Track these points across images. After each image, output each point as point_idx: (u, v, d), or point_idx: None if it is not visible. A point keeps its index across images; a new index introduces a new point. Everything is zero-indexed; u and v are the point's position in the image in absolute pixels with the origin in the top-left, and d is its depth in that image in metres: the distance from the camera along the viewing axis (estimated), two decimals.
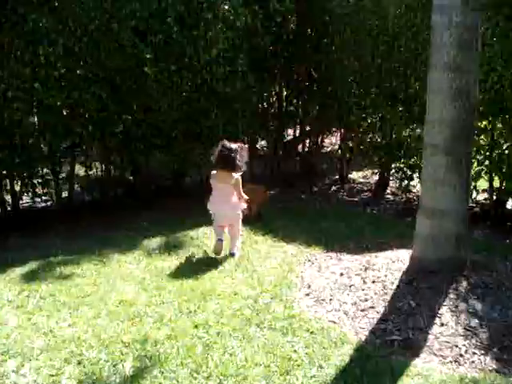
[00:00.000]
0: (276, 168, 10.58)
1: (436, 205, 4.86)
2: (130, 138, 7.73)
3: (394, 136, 8.25)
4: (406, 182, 8.37)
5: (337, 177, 10.60)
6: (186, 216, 7.81)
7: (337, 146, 11.35)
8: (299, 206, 8.58)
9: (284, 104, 10.35)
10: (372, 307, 4.63)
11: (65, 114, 7.19)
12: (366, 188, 9.94)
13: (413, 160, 8.08)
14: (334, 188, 9.99)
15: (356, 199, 9.23)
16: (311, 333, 4.27)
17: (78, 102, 7.02)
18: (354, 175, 10.76)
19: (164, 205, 8.66)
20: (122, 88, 7.31)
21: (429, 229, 4.94)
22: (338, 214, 7.93)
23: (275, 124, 10.46)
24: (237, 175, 5.70)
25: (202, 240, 6.70)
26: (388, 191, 9.53)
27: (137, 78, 7.33)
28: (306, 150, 10.86)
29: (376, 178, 10.34)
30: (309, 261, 5.90)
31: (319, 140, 10.82)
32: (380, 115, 8.35)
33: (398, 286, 4.83)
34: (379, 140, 8.62)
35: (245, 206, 6.14)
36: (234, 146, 5.64)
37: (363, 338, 4.24)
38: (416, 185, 8.82)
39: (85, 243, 6.60)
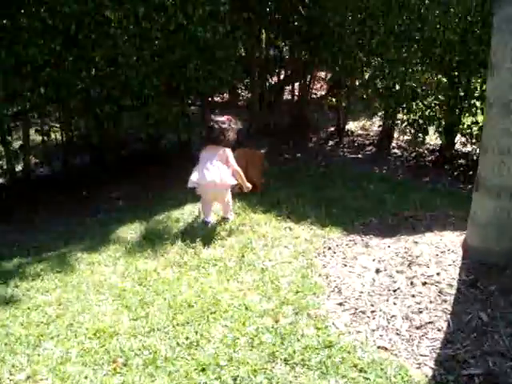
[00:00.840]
0: (263, 121, 9.27)
1: (504, 182, 3.71)
2: (93, 99, 6.32)
3: (406, 83, 6.95)
4: (420, 135, 7.15)
5: (332, 129, 9.36)
6: (164, 189, 6.60)
7: (328, 93, 10.00)
8: (298, 168, 7.37)
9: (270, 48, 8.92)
10: (430, 322, 3.53)
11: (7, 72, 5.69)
12: (367, 141, 8.75)
13: (428, 111, 6.84)
14: (331, 142, 8.77)
15: (359, 155, 8.04)
16: (360, 370, 3.17)
17: (23, 58, 5.54)
18: (351, 126, 9.52)
19: (138, 175, 7.39)
20: (79, 38, 5.84)
21: (492, 212, 3.83)
22: (345, 177, 6.78)
23: (261, 71, 9.06)
24: (227, 149, 5.16)
25: (188, 223, 5.48)
26: (393, 144, 8.35)
27: (97, 25, 5.86)
28: (296, 99, 9.50)
29: (376, 128, 9.15)
30: (329, 249, 4.75)
31: (310, 86, 9.46)
32: (388, 58, 7.02)
33: (458, 290, 3.72)
34: (386, 87, 7.29)
35: (234, 181, 5.19)
36: (221, 118, 5.16)
37: (430, 373, 3.15)
38: (431, 138, 7.65)
39: (45, 237, 5.35)
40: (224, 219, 5.40)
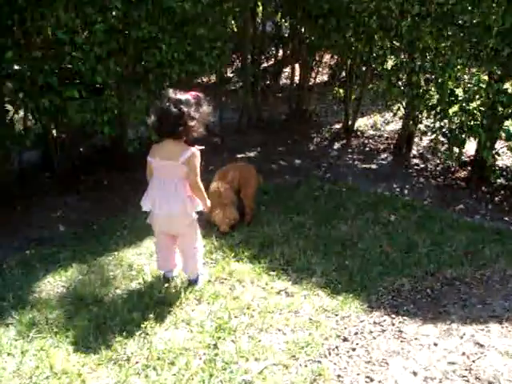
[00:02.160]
0: (256, 113, 7.61)
1: None
2: (27, 90, 4.65)
3: (441, 80, 5.32)
4: (455, 148, 5.55)
5: (338, 126, 7.72)
6: (121, 209, 5.01)
7: (334, 81, 8.33)
8: (297, 184, 5.73)
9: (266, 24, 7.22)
10: None
11: None
12: (381, 146, 7.13)
13: (470, 119, 5.23)
14: (337, 145, 7.13)
15: (373, 165, 6.44)
16: None
17: None
18: (360, 122, 7.88)
19: (92, 185, 5.73)
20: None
21: None
22: (358, 202, 5.20)
23: (254, 52, 7.36)
24: (192, 149, 3.38)
25: (144, 273, 3.91)
26: (414, 151, 6.75)
27: None
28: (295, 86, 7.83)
29: (390, 128, 7.54)
30: (344, 340, 3.19)
31: (312, 72, 7.77)
32: (422, 46, 5.37)
33: None
34: (415, 84, 5.65)
35: (200, 206, 3.60)
36: (183, 97, 3.35)
37: None
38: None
39: None
40: (191, 283, 3.80)
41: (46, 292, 3.82)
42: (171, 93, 3.34)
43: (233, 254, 4.18)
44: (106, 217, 5.10)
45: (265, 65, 8.87)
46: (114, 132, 5.28)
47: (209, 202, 3.64)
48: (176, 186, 3.43)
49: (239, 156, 6.72)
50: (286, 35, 8.01)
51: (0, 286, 3.96)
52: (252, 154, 6.77)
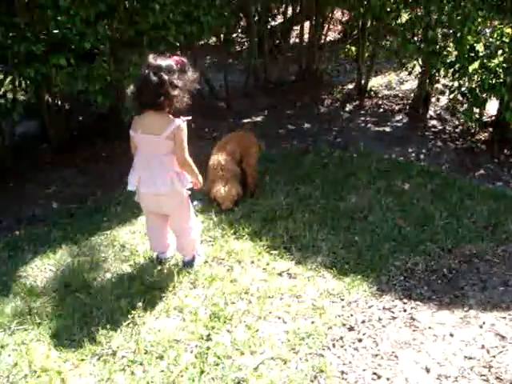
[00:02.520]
0: (263, 74, 7.20)
1: None
2: (10, 58, 4.33)
3: (459, 35, 4.85)
4: (475, 108, 5.12)
5: (351, 86, 7.28)
6: (118, 184, 4.71)
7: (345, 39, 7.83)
8: (305, 150, 5.41)
9: None
10: None
11: None
12: (396, 106, 6.70)
13: (492, 77, 4.77)
14: (349, 106, 6.71)
15: (387, 127, 6.03)
16: None
17: None
18: (374, 82, 7.43)
19: (89, 156, 5.44)
20: None
21: None
22: (370, 169, 4.85)
23: (261, 8, 6.90)
24: (176, 121, 3.02)
25: (137, 253, 3.70)
26: (430, 112, 6.31)
27: None
28: (305, 44, 7.35)
29: (406, 87, 7.09)
30: (350, 329, 2.91)
31: (322, 30, 7.29)
32: None
33: None
34: (430, 39, 5.18)
35: (187, 183, 3.25)
36: (164, 62, 2.96)
37: None
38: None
39: None
40: (185, 265, 3.52)
41: (33, 277, 3.57)
42: (151, 58, 2.96)
43: (232, 231, 3.88)
44: (102, 191, 4.81)
45: (273, 23, 8.38)
46: (108, 101, 4.94)
47: (200, 178, 3.30)
48: (162, 162, 3.11)
49: (245, 121, 6.36)
50: None
51: None
52: (259, 118, 6.40)
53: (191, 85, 3.07)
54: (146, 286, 3.33)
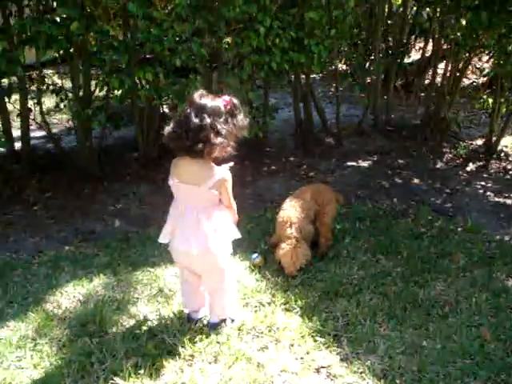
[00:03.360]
0: (382, 112, 6.56)
1: None
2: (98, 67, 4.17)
3: None
4: None
5: (480, 142, 6.39)
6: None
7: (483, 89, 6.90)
8: (401, 214, 4.68)
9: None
10: None
11: None
12: None
13: None
14: (472, 166, 5.84)
15: (509, 200, 5.11)
16: None
17: None
18: (508, 141, 6.46)
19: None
20: None
21: None
22: (473, 256, 4.03)
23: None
24: (221, 172, 2.67)
25: (172, 298, 3.22)
26: None
27: None
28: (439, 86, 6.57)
29: None
30: None
31: (461, 74, 6.45)
32: None
33: None
34: None
35: (228, 248, 2.85)
36: (211, 102, 2.55)
37: None
38: None
39: None
40: (210, 327, 3.07)
41: (57, 305, 3.32)
42: (196, 95, 2.56)
43: (283, 300, 3.34)
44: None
45: (408, 60, 7.66)
46: None
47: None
48: (198, 217, 2.69)
49: (349, 164, 5.75)
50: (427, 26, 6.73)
51: (19, 286, 3.49)
52: (364, 164, 5.76)
53: (239, 131, 2.66)
54: (162, 348, 2.89)
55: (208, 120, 2.49)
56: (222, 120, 2.54)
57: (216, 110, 2.53)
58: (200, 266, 2.85)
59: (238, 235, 2.90)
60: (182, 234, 2.74)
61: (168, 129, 2.60)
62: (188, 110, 2.52)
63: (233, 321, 3.09)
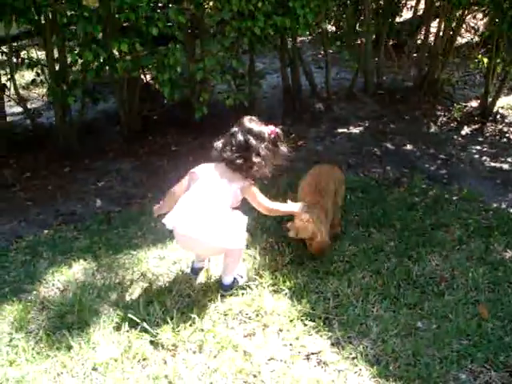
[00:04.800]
0: (373, 76, 6.34)
1: None
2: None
3: None
4: None
5: (475, 104, 6.19)
6: (175, 181, 4.10)
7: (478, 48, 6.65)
8: (394, 183, 4.54)
9: None
10: None
11: None
12: None
13: None
14: (467, 129, 5.66)
15: (506, 164, 4.97)
16: None
17: None
18: (504, 102, 6.26)
19: (151, 149, 4.98)
20: None
21: None
22: (469, 227, 3.87)
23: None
24: (249, 180, 2.94)
25: (154, 283, 3.08)
26: None
27: None
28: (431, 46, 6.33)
29: None
30: None
31: (453, 33, 6.19)
32: None
33: None
34: None
35: (242, 244, 3.00)
36: (257, 128, 2.89)
37: None
38: None
39: None
40: (222, 288, 3.10)
41: (34, 294, 3.14)
42: (245, 119, 2.91)
43: (271, 281, 3.18)
44: (153, 195, 4.28)
45: (399, 19, 7.38)
46: (178, 94, 4.37)
47: (298, 207, 3.11)
48: (222, 205, 2.87)
49: (340, 130, 5.54)
50: None
51: None
52: (356, 130, 5.56)
53: (278, 159, 2.97)
54: (144, 338, 2.75)
55: (252, 141, 2.81)
56: (264, 145, 2.84)
57: (261, 134, 2.85)
58: (204, 251, 3.02)
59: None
60: (195, 222, 2.77)
61: (217, 144, 2.92)
62: (235, 129, 2.86)
63: (242, 277, 3.14)
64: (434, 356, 2.65)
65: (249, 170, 2.86)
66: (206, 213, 2.79)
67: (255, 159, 2.83)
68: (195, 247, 2.96)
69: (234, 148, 2.83)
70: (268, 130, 2.91)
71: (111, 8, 3.80)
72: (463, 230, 3.77)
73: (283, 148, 2.98)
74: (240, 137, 2.84)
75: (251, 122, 2.89)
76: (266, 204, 2.98)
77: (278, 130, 2.95)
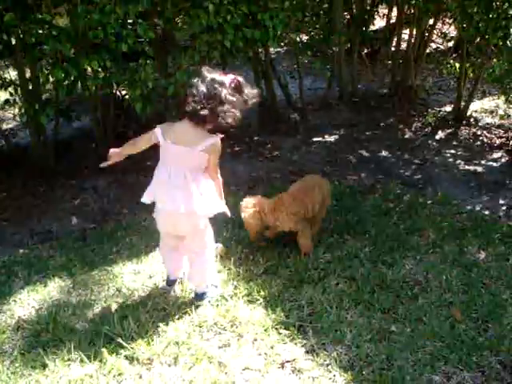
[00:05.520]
0: (349, 83, 6.39)
1: None
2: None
3: None
4: None
5: (449, 109, 6.27)
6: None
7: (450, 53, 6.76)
8: (369, 190, 4.57)
9: None
10: None
11: None
12: (497, 139, 5.65)
13: None
14: (441, 134, 5.74)
15: (480, 168, 5.02)
16: None
17: None
18: (477, 106, 6.34)
19: (127, 164, 4.96)
20: None
21: None
22: (442, 230, 3.93)
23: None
24: (215, 137, 2.82)
25: (130, 300, 3.07)
26: None
27: None
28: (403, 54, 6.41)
29: None
30: None
31: (426, 40, 6.29)
32: None
33: None
34: None
35: (215, 209, 2.96)
36: (219, 77, 2.78)
37: None
38: None
39: None
40: (196, 297, 3.13)
41: (10, 314, 3.13)
42: (205, 70, 2.76)
43: (246, 291, 3.19)
44: (129, 210, 4.28)
45: (373, 27, 7.48)
46: (150, 109, 4.38)
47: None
48: (186, 178, 2.79)
49: (315, 139, 5.59)
50: None
51: None
52: (331, 138, 5.61)
53: (243, 105, 2.81)
54: (119, 352, 2.74)
55: (214, 90, 2.66)
56: (227, 92, 2.70)
57: (222, 82, 2.70)
58: (184, 226, 2.91)
59: (225, 209, 3.04)
60: (168, 194, 2.80)
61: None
62: (196, 80, 2.71)
63: (216, 287, 3.15)
64: (407, 359, 2.67)
65: (214, 121, 2.73)
66: (183, 183, 2.78)
67: (220, 107, 2.70)
68: (178, 223, 2.90)
69: (196, 99, 2.68)
70: (228, 78, 2.77)
71: (80, 26, 3.80)
72: (437, 233, 3.80)
73: (246, 92, 2.82)
74: (202, 87, 2.68)
75: (211, 72, 2.75)
76: (217, 171, 2.95)
77: (239, 78, 2.81)
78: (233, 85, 2.76)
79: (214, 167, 2.89)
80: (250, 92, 2.86)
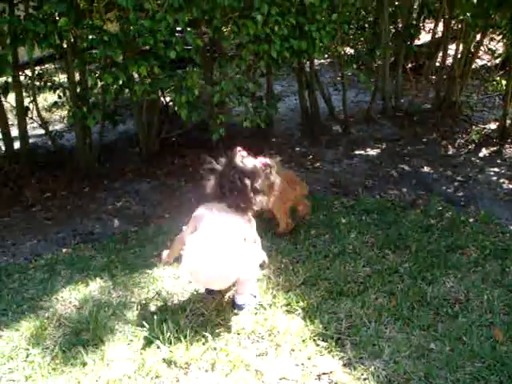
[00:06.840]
0: (392, 98, 6.35)
1: None
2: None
3: None
4: None
5: (494, 126, 6.17)
6: (192, 201, 4.14)
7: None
8: (410, 205, 4.52)
9: None
10: None
11: None
12: None
13: None
14: (485, 152, 5.64)
15: None
16: None
17: None
18: None
19: (170, 169, 5.05)
20: None
21: None
22: (485, 249, 3.84)
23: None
24: (252, 221, 3.05)
25: (169, 304, 3.11)
26: None
27: None
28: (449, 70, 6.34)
29: None
30: None
31: (472, 56, 6.21)
32: None
33: None
34: None
35: (264, 255, 3.25)
36: (250, 164, 2.90)
37: None
38: None
39: None
40: (235, 307, 3.15)
41: (51, 311, 3.20)
42: (237, 158, 2.86)
43: (285, 301, 3.19)
44: (170, 215, 4.34)
45: (418, 42, 7.42)
46: (195, 116, 4.44)
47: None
48: (234, 247, 2.93)
49: (357, 152, 5.57)
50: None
51: (14, 293, 3.40)
52: (373, 152, 5.58)
53: (273, 190, 3.00)
54: (158, 355, 2.77)
55: (247, 181, 2.80)
56: (259, 181, 2.84)
57: (254, 171, 2.83)
58: (227, 285, 3.10)
59: (264, 257, 3.24)
60: (214, 262, 2.88)
61: (211, 184, 2.92)
62: (227, 169, 2.84)
63: (255, 296, 3.16)
64: (446, 378, 2.62)
65: (249, 209, 2.90)
66: (223, 247, 2.87)
67: (254, 197, 2.85)
68: (215, 282, 3.05)
69: (230, 190, 2.84)
70: (259, 163, 2.90)
71: (130, 32, 3.89)
72: (479, 252, 3.73)
73: (274, 177, 2.99)
74: (234, 179, 2.82)
75: (242, 160, 2.86)
76: (257, 237, 3.17)
77: (267, 160, 2.96)
78: (264, 169, 2.91)
79: (253, 237, 3.09)
80: (275, 178, 2.99)
